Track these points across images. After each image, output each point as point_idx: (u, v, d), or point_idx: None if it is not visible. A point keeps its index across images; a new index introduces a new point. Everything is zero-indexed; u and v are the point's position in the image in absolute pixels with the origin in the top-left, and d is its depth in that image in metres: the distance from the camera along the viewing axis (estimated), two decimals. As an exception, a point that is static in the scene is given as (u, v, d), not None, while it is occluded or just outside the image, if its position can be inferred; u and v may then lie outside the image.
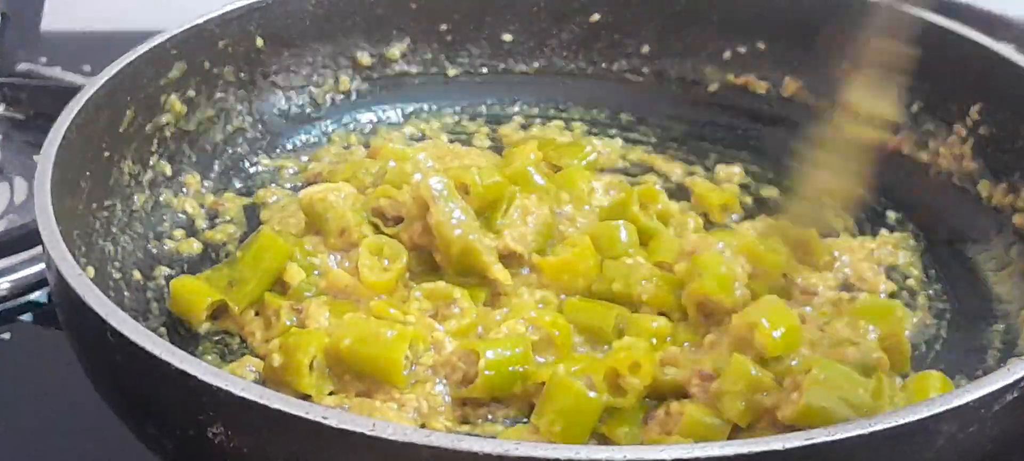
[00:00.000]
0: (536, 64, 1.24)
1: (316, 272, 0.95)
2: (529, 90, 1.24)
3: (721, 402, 0.82)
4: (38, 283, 1.06)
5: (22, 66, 1.35)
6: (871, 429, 0.67)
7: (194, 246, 1.03)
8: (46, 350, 1.02)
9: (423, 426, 0.83)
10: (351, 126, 1.19)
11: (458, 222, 0.93)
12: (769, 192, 1.11)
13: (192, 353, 0.84)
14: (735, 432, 0.81)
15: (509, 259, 0.96)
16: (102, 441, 0.92)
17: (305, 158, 1.15)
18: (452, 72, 1.23)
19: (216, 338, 0.94)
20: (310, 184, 1.05)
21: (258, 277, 0.94)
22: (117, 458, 0.91)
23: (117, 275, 0.95)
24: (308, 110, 1.19)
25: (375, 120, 1.20)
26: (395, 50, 1.21)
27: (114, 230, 0.98)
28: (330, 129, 1.19)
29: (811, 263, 0.99)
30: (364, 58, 1.21)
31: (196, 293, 0.93)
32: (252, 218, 1.07)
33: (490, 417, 0.86)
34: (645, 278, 0.93)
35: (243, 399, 0.68)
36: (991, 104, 1.05)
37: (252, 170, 1.13)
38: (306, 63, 1.18)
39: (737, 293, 0.91)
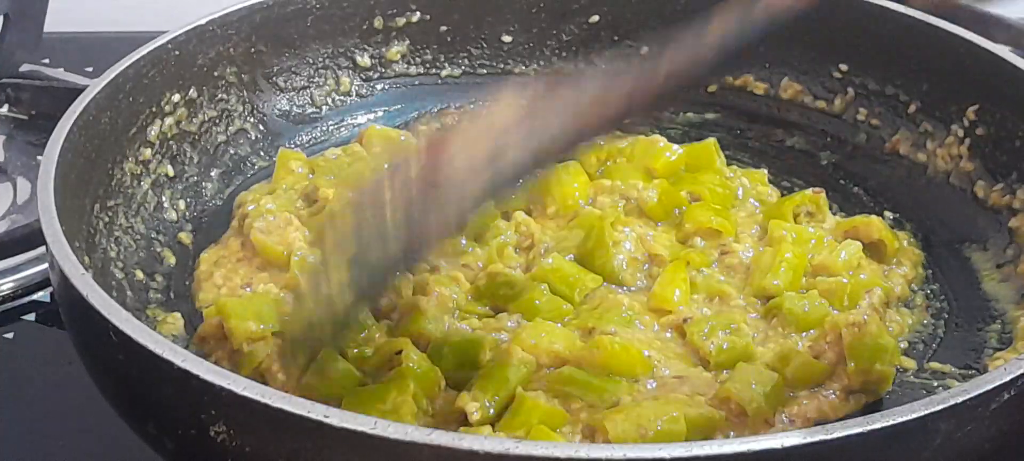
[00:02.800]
0: (536, 65, 1.24)
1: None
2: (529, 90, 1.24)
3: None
4: (41, 283, 1.06)
5: (25, 67, 1.35)
6: (869, 428, 0.67)
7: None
8: (49, 349, 1.03)
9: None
10: (351, 127, 1.20)
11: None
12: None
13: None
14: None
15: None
16: (104, 440, 0.92)
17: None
18: (452, 73, 1.24)
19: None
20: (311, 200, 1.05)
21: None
22: (119, 457, 0.92)
23: (120, 275, 0.95)
24: (309, 111, 1.19)
25: (375, 121, 1.20)
26: (395, 51, 1.22)
27: (116, 230, 0.98)
28: (331, 129, 1.19)
29: (884, 262, 1.00)
30: (364, 59, 1.21)
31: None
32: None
33: None
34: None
35: (245, 398, 0.69)
36: (988, 105, 1.05)
37: (253, 171, 1.13)
38: (307, 64, 1.19)
39: None
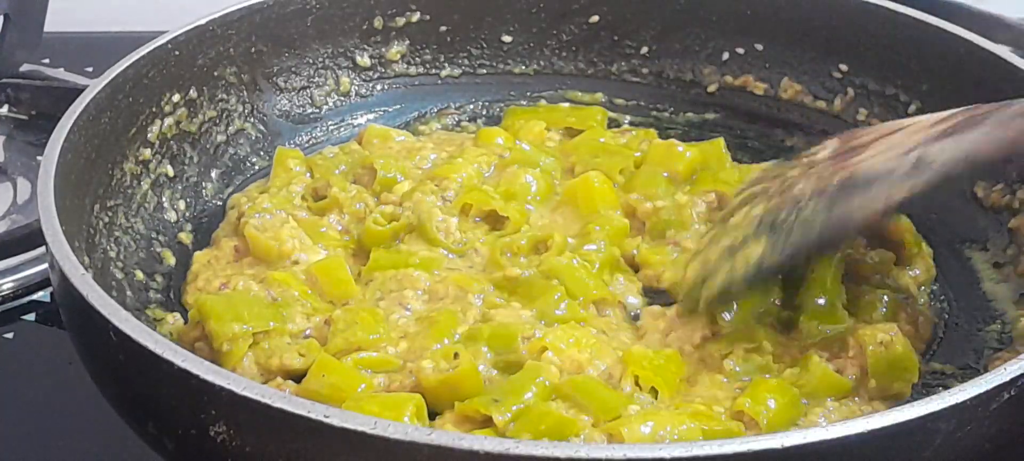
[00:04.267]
0: (536, 65, 1.24)
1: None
2: (529, 91, 1.24)
3: None
4: (41, 283, 1.06)
5: (25, 67, 1.35)
6: (869, 427, 0.67)
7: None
8: (49, 349, 1.03)
9: None
10: (351, 127, 1.20)
11: None
12: (767, 192, 1.11)
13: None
14: None
15: None
16: (104, 440, 0.92)
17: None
18: (452, 73, 1.24)
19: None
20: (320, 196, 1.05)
21: None
22: (119, 457, 0.92)
23: (119, 275, 0.95)
24: (309, 111, 1.19)
25: (375, 121, 1.20)
26: (395, 51, 1.22)
27: (116, 230, 0.98)
28: (331, 129, 1.19)
29: (907, 263, 1.00)
30: (364, 59, 1.21)
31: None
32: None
33: None
34: None
35: (245, 398, 0.69)
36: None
37: (253, 171, 1.13)
38: (306, 64, 1.19)
39: None
